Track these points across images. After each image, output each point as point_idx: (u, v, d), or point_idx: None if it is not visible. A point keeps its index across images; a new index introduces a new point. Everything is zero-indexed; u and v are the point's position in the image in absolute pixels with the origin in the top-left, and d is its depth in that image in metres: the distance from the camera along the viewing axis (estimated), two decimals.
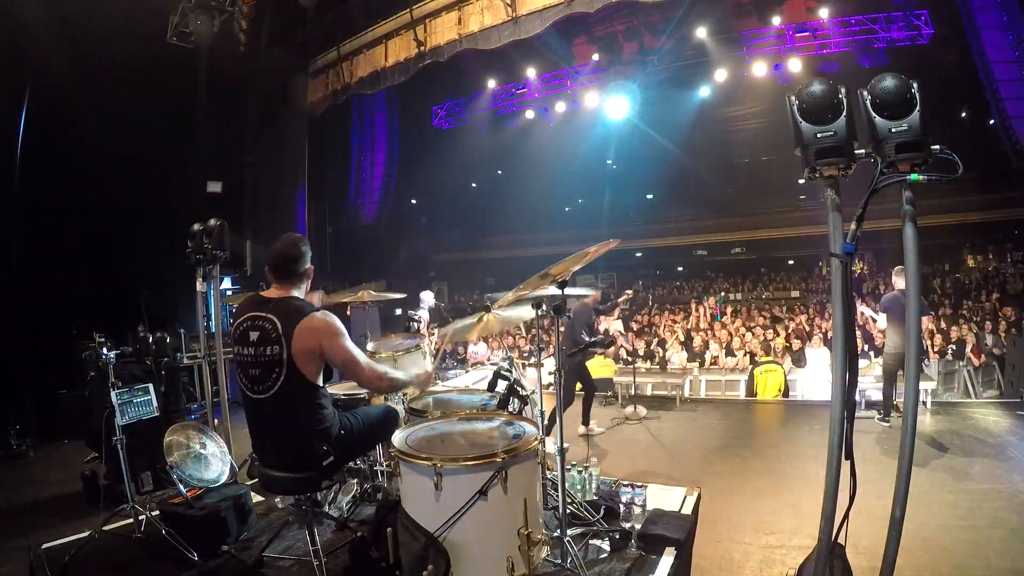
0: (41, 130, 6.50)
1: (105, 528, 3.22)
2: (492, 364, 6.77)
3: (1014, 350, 8.05)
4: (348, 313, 5.28)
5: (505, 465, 2.20)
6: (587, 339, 5.60)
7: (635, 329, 11.41)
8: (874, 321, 6.61)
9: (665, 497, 3.23)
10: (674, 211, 21.18)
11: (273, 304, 2.44)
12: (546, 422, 2.80)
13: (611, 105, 10.21)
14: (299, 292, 2.55)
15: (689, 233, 22.09)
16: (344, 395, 3.28)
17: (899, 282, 5.98)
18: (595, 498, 3.14)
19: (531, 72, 10.94)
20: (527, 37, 8.94)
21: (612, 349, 8.83)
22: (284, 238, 2.57)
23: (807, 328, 10.29)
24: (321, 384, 2.45)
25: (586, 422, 6.00)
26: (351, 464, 3.22)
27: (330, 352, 2.39)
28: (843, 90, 2.09)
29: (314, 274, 2.66)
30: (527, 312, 3.02)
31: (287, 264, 2.52)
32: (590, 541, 2.79)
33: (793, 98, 2.13)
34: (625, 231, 18.68)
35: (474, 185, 18.68)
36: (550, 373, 2.73)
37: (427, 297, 7.89)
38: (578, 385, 6.07)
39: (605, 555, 2.70)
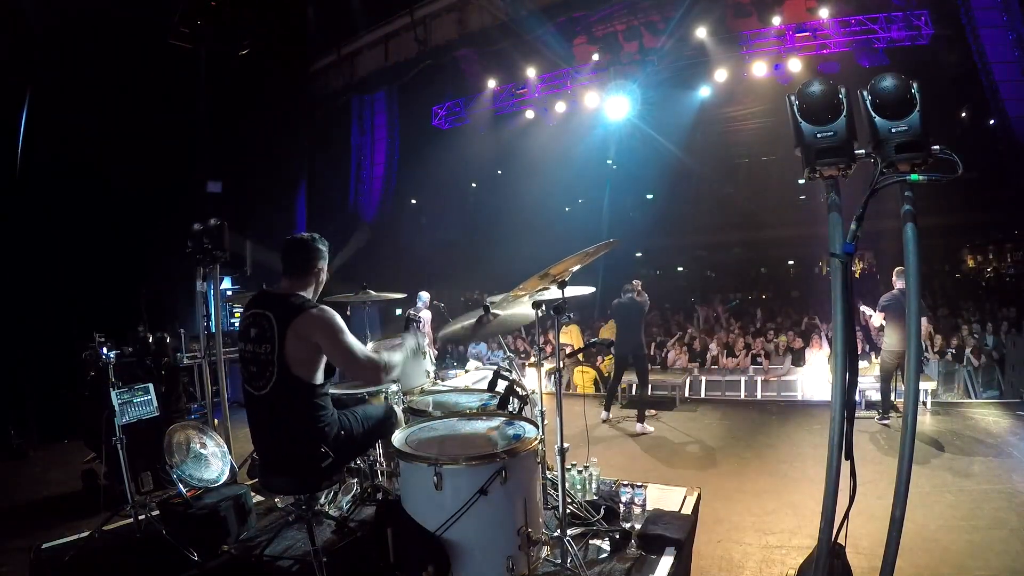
0: (42, 130, 6.49)
1: (105, 528, 3.23)
2: (492, 364, 6.78)
3: (1014, 350, 8.05)
4: (348, 313, 5.29)
5: (505, 465, 2.21)
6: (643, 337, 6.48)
7: None
8: (869, 318, 6.62)
9: (665, 497, 3.23)
10: (674, 211, 21.15)
11: (273, 300, 2.42)
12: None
13: (611, 105, 10.19)
14: (307, 292, 2.51)
15: (689, 233, 22.07)
16: (343, 394, 3.27)
17: (899, 282, 5.98)
18: (595, 498, 3.14)
19: (531, 72, 10.93)
20: (528, 36, 8.94)
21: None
22: (296, 235, 2.55)
23: (821, 327, 10.26)
24: (320, 383, 2.41)
25: (640, 419, 6.34)
26: (351, 464, 3.22)
27: (329, 350, 2.34)
28: (843, 90, 2.09)
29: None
30: (527, 312, 3.02)
31: (294, 255, 2.51)
32: (590, 541, 2.79)
33: (793, 98, 2.13)
34: (625, 231, 18.65)
35: (474, 185, 18.67)
36: (549, 373, 2.73)
37: (425, 296, 7.90)
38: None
39: (605, 555, 2.70)
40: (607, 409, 6.66)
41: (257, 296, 2.53)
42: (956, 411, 6.43)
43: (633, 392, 7.45)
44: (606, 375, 9.16)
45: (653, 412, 6.75)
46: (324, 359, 2.39)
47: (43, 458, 5.72)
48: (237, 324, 8.49)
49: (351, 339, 2.37)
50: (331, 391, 2.59)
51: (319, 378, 2.40)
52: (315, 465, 2.41)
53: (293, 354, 2.30)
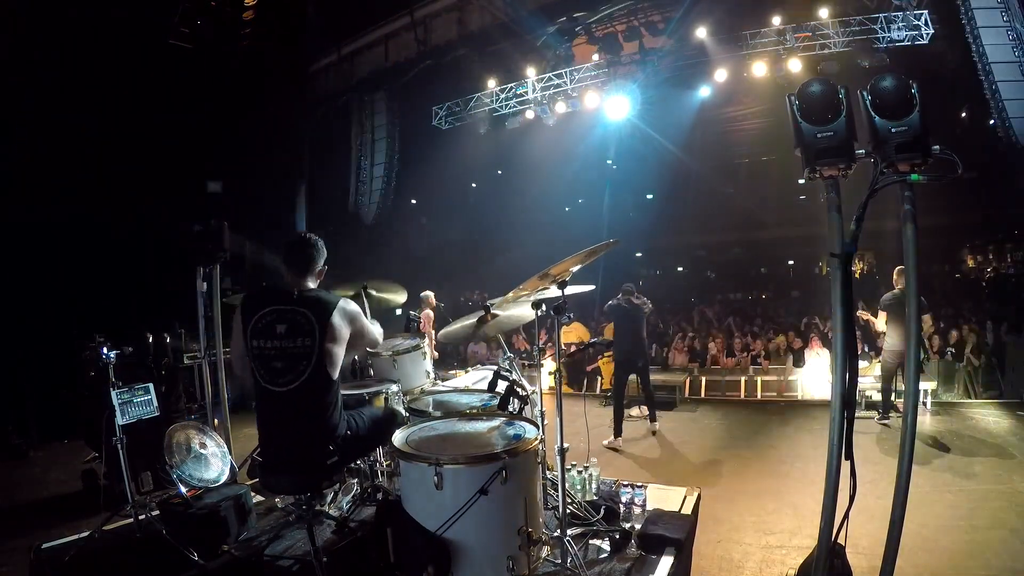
0: (42, 130, 6.49)
1: (105, 528, 3.22)
2: (492, 364, 6.77)
3: (1014, 350, 8.05)
4: None
5: (505, 465, 2.20)
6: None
7: None
8: (866, 321, 6.58)
9: (665, 497, 3.23)
10: (674, 211, 21.16)
11: (300, 296, 2.46)
12: None
13: (611, 105, 10.19)
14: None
15: (689, 233, 22.07)
16: (344, 393, 3.26)
17: (901, 281, 5.97)
18: (595, 498, 3.14)
19: (531, 72, 10.92)
20: (528, 36, 8.93)
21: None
22: (300, 234, 2.64)
23: (821, 327, 10.26)
24: (336, 377, 2.48)
25: (653, 418, 6.28)
26: (352, 464, 3.22)
27: (361, 334, 2.57)
28: (843, 90, 2.09)
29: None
30: (527, 313, 3.02)
31: (300, 253, 2.55)
32: (590, 541, 2.79)
33: (793, 98, 2.13)
34: (625, 231, 18.64)
35: (474, 185, 18.66)
36: (550, 373, 2.73)
37: (428, 296, 7.89)
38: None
39: (605, 555, 2.70)
40: (618, 433, 5.90)
41: (268, 293, 2.53)
42: (956, 411, 6.43)
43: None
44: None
45: (645, 412, 6.59)
46: (342, 353, 2.49)
47: (43, 458, 5.72)
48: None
49: (368, 323, 2.68)
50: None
51: (337, 371, 2.48)
52: (320, 463, 2.43)
53: (331, 345, 2.41)
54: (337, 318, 2.43)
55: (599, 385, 9.29)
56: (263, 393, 2.46)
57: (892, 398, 6.09)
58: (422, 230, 16.60)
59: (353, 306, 2.53)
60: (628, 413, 6.61)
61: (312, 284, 2.57)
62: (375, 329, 2.73)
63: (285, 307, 2.43)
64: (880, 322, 6.18)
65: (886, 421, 5.98)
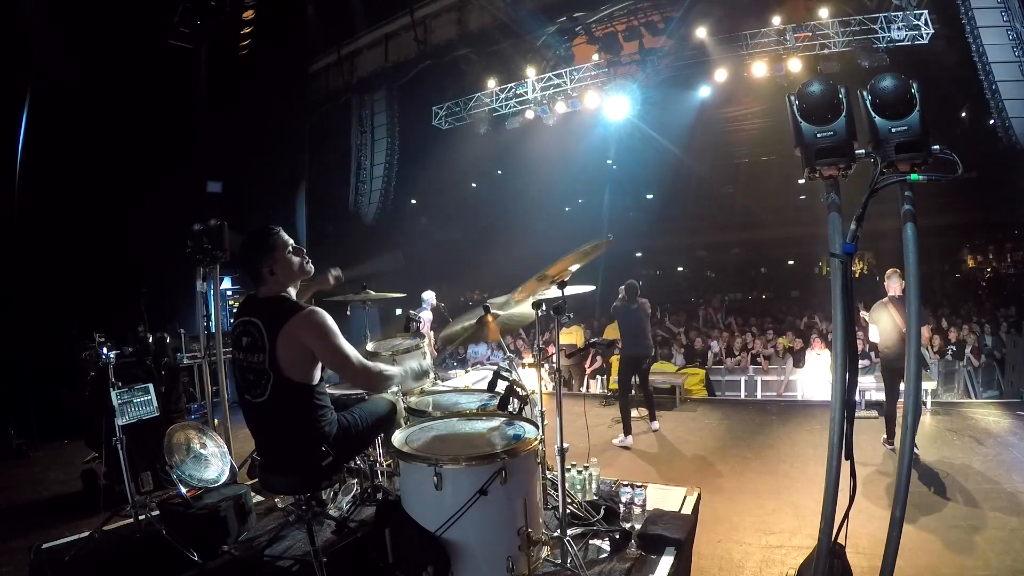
0: (41, 130, 6.49)
1: (105, 528, 3.22)
2: (492, 364, 6.77)
3: (1014, 350, 8.06)
4: (348, 313, 5.29)
5: (505, 465, 2.20)
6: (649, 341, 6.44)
7: None
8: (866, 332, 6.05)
9: (665, 497, 3.23)
10: (674, 211, 21.17)
11: (260, 306, 2.33)
12: None
13: (611, 105, 10.20)
14: (290, 292, 2.40)
15: (689, 233, 22.10)
16: (343, 394, 3.25)
17: (891, 287, 5.19)
18: (595, 498, 3.14)
19: (531, 72, 10.92)
20: (528, 36, 8.93)
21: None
22: (252, 231, 2.39)
23: (821, 327, 10.26)
24: (316, 382, 2.34)
25: (653, 418, 6.39)
26: (351, 464, 3.21)
27: (321, 353, 2.26)
28: (843, 90, 2.09)
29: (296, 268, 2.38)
30: (528, 313, 3.02)
31: (242, 265, 2.39)
32: (590, 541, 2.79)
33: (793, 98, 2.13)
34: (625, 231, 18.65)
35: (474, 185, 18.67)
36: (550, 374, 2.73)
37: (429, 296, 7.88)
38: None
39: (605, 555, 2.70)
40: (628, 433, 5.90)
41: (246, 301, 2.44)
42: (956, 411, 6.43)
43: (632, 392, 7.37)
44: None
45: (643, 413, 6.58)
46: (311, 365, 2.31)
47: (43, 458, 5.72)
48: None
49: (343, 342, 2.30)
50: (331, 391, 2.57)
51: (315, 377, 2.34)
52: (315, 464, 2.38)
53: (285, 359, 2.24)
54: (289, 330, 2.20)
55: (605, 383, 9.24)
56: (243, 402, 2.40)
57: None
58: (422, 230, 16.60)
59: (318, 318, 2.23)
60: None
61: (278, 290, 2.35)
62: (350, 351, 2.29)
63: (247, 316, 2.32)
64: (874, 332, 5.40)
65: (893, 446, 5.18)
